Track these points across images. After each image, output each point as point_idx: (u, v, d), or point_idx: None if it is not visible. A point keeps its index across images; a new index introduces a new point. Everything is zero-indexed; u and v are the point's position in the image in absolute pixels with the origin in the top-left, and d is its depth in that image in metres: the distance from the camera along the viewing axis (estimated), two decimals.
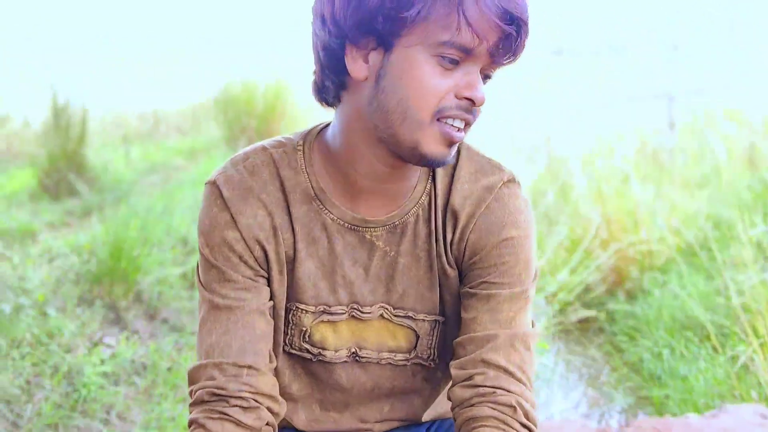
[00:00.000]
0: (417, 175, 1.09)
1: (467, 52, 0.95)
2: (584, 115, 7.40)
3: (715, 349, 3.18)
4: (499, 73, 1.05)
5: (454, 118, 0.98)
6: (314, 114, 7.95)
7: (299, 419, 1.20)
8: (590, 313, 4.22)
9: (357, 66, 0.99)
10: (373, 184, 1.06)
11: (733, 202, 4.27)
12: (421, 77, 0.96)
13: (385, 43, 0.97)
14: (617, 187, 4.87)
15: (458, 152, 1.10)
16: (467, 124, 1.00)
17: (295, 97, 6.82)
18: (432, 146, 0.98)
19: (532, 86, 9.09)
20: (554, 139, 7.02)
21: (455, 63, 0.96)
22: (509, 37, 0.95)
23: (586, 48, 11.33)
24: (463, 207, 1.08)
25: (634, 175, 4.87)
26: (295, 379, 1.18)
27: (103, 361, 2.84)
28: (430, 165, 1.01)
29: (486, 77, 1.01)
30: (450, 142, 0.99)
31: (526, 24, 0.96)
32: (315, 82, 1.06)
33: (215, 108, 7.20)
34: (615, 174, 5.05)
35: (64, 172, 5.08)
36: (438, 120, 0.97)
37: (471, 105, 0.98)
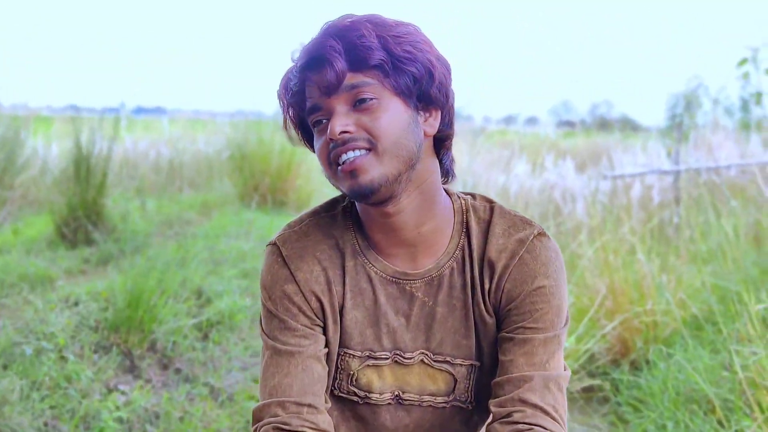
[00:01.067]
0: (434, 224, 1.21)
1: (315, 111, 1.14)
2: (590, 186, 7.52)
3: (720, 423, 3.20)
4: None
5: (338, 156, 1.12)
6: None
7: None
8: (595, 382, 4.25)
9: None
10: (393, 238, 1.20)
11: (738, 277, 4.34)
12: (315, 147, 1.17)
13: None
14: (624, 258, 4.94)
15: (491, 211, 1.24)
16: (366, 150, 1.11)
17: (310, 157, 6.96)
18: (344, 185, 1.14)
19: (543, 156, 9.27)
20: (563, 209, 7.13)
21: (320, 122, 1.14)
22: (324, 75, 1.11)
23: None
24: (499, 259, 1.20)
25: (640, 247, 4.95)
26: (343, 422, 1.28)
27: (117, 408, 2.89)
28: (359, 199, 1.15)
29: (357, 104, 1.12)
30: (349, 173, 1.11)
31: (328, 57, 1.10)
32: None
33: (230, 164, 7.35)
34: (622, 246, 5.13)
35: (82, 220, 5.19)
36: (336, 164, 1.13)
37: (333, 141, 1.11)
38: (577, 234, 5.88)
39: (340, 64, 1.09)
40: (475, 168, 9.17)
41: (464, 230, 1.23)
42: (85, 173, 5.35)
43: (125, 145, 8.57)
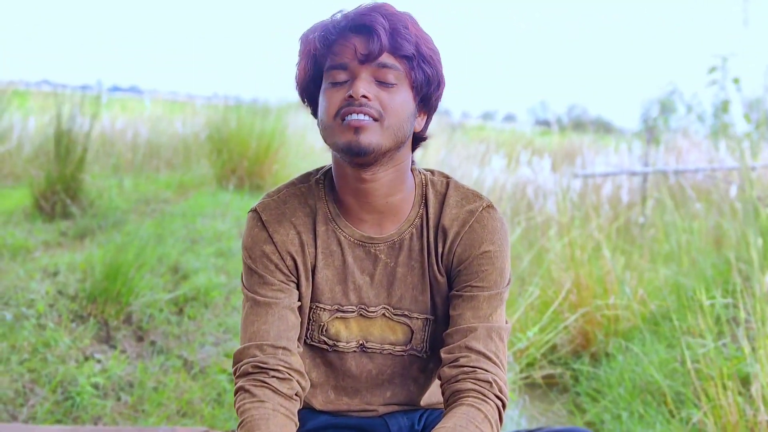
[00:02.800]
0: (402, 195, 1.37)
1: (340, 68, 1.27)
2: (562, 184, 7.68)
3: (671, 413, 3.37)
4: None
5: (348, 113, 1.25)
6: (303, 163, 8.18)
7: (317, 401, 1.46)
8: (556, 371, 4.40)
9: (314, 113, 1.36)
10: (364, 204, 1.35)
11: (695, 276, 4.51)
12: (324, 98, 1.29)
13: (318, 93, 1.33)
14: (590, 254, 5.09)
15: (447, 185, 1.41)
16: (373, 119, 1.26)
17: (288, 142, 7.05)
18: (341, 137, 1.26)
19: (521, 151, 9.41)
20: (534, 205, 7.29)
21: (337, 83, 1.27)
22: (367, 44, 1.25)
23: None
24: (451, 226, 1.37)
25: (606, 244, 5.11)
26: (314, 367, 1.44)
27: (94, 374, 2.98)
28: (350, 153, 1.27)
29: (382, 83, 1.27)
30: (353, 129, 1.25)
31: (377, 29, 1.25)
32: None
33: (208, 146, 7.40)
34: (589, 242, 5.28)
35: (60, 194, 5.24)
36: (342, 119, 1.26)
37: (352, 99, 1.24)
38: (547, 230, 6.04)
39: (384, 40, 1.24)
40: (452, 161, 9.31)
41: (423, 201, 1.40)
42: (65, 148, 5.40)
43: (102, 123, 8.57)
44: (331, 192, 1.40)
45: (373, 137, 1.26)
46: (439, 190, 1.40)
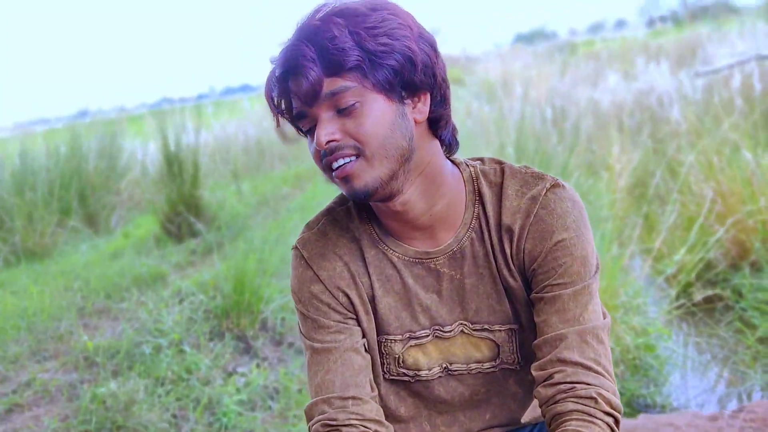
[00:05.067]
0: (446, 200, 1.19)
1: (302, 118, 1.12)
2: (685, 86, 7.14)
3: None
4: None
5: (331, 163, 1.11)
6: None
7: None
8: (715, 291, 4.10)
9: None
10: (408, 223, 1.20)
11: None
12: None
13: None
14: (728, 158, 4.70)
15: (502, 173, 1.21)
16: (355, 156, 1.10)
17: None
18: (342, 189, 1.15)
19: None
20: (658, 115, 6.82)
21: (310, 130, 1.13)
22: (302, 79, 1.07)
23: None
24: (514, 221, 1.18)
25: (744, 143, 4.69)
26: (401, 402, 1.30)
27: (238, 390, 3.03)
28: (357, 200, 1.16)
29: (340, 111, 1.09)
30: (342, 180, 1.12)
31: (303, 65, 1.07)
32: None
33: None
34: (724, 145, 4.88)
35: (183, 214, 5.40)
36: (330, 170, 1.12)
37: (324, 149, 1.10)
38: (676, 140, 5.63)
39: (315, 72, 1.07)
40: (562, 88, 8.88)
41: (477, 198, 1.21)
42: (177, 168, 5.55)
43: (214, 132, 8.79)
44: (373, 211, 1.24)
45: (365, 177, 1.10)
46: (493, 180, 1.21)
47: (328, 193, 6.09)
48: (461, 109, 8.98)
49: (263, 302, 3.67)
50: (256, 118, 9.09)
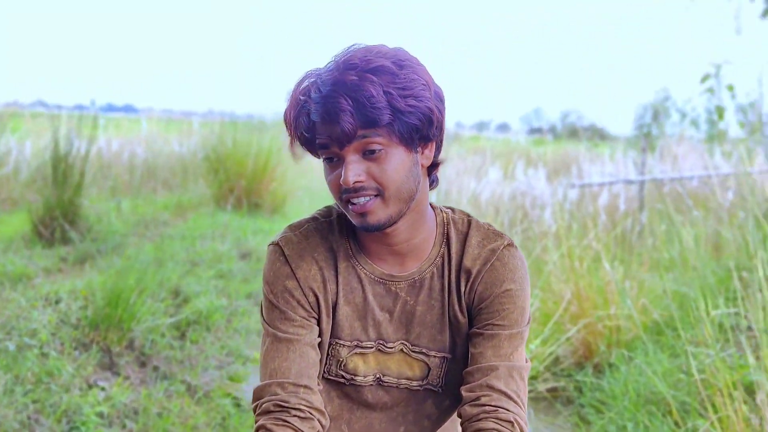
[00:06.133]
0: (422, 236, 1.37)
1: (326, 149, 1.26)
2: (558, 194, 7.69)
3: (676, 424, 3.36)
4: None
5: (350, 198, 1.26)
6: (302, 181, 8.18)
7: None
8: (559, 383, 4.39)
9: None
10: (384, 246, 1.36)
11: (697, 285, 4.51)
12: (324, 174, 1.30)
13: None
14: (589, 264, 5.09)
15: (468, 224, 1.40)
16: (375, 195, 1.26)
17: (286, 160, 7.04)
18: (353, 220, 1.29)
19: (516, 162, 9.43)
20: (531, 215, 7.29)
21: (331, 159, 1.27)
22: (339, 127, 1.23)
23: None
24: (474, 266, 1.37)
25: (604, 254, 5.11)
26: (329, 402, 1.44)
27: (99, 403, 2.97)
28: (368, 231, 1.30)
29: (366, 154, 1.26)
30: (359, 215, 1.27)
31: (340, 117, 1.23)
32: None
33: (205, 165, 7.39)
34: (587, 252, 5.29)
35: (59, 219, 5.23)
36: (347, 203, 1.27)
37: (350, 187, 1.25)
38: (544, 240, 6.04)
39: (352, 122, 1.22)
40: (449, 174, 9.32)
41: (445, 240, 1.39)
42: (62, 173, 5.39)
43: (99, 145, 8.55)
44: (351, 228, 1.39)
45: (380, 214, 1.27)
46: (460, 229, 1.40)
47: (210, 226, 6.08)
48: None
49: (135, 321, 3.62)
50: (146, 139, 8.94)
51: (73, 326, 3.50)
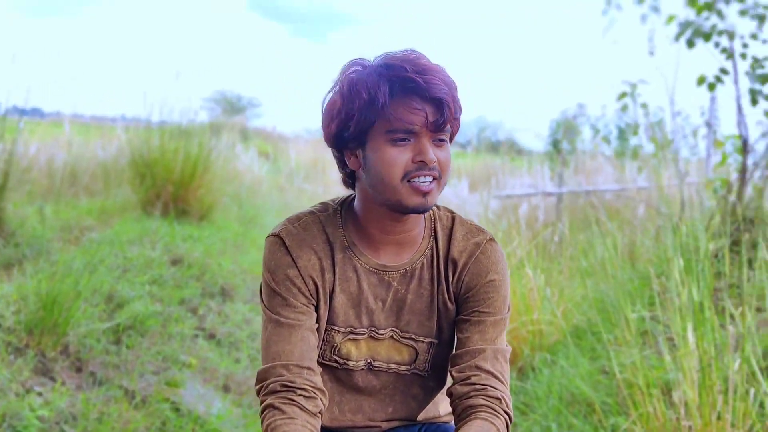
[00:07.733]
0: (418, 229, 1.50)
1: (404, 131, 1.36)
2: (481, 204, 7.92)
3: (600, 423, 3.55)
4: None
5: (418, 176, 1.37)
6: (229, 187, 8.14)
7: (324, 418, 1.54)
8: None
9: (351, 162, 1.46)
10: (386, 236, 1.47)
11: (616, 290, 4.75)
12: (383, 156, 1.38)
13: (361, 144, 1.42)
14: (512, 272, 5.28)
15: (452, 220, 1.54)
16: (434, 179, 1.40)
17: (213, 166, 7.02)
18: (409, 199, 1.38)
19: None
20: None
21: (405, 140, 1.37)
22: (437, 115, 1.38)
23: None
24: (460, 257, 1.50)
25: (527, 262, 5.31)
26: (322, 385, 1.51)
27: (37, 407, 2.93)
28: (414, 212, 1.42)
29: (435, 141, 1.40)
30: (422, 194, 1.39)
31: (447, 103, 1.38)
32: (342, 178, 1.52)
33: (130, 171, 7.28)
34: (510, 260, 5.48)
35: None
36: (408, 181, 1.37)
37: (425, 165, 1.37)
38: None
39: (449, 113, 1.38)
40: None
41: (432, 234, 1.53)
42: None
43: (17, 148, 8.26)
44: (348, 221, 1.50)
45: (435, 197, 1.41)
46: (445, 224, 1.53)
47: (138, 232, 6.00)
48: (273, 183, 9.23)
49: (69, 325, 3.58)
50: (65, 143, 8.72)
51: (6, 331, 3.44)
